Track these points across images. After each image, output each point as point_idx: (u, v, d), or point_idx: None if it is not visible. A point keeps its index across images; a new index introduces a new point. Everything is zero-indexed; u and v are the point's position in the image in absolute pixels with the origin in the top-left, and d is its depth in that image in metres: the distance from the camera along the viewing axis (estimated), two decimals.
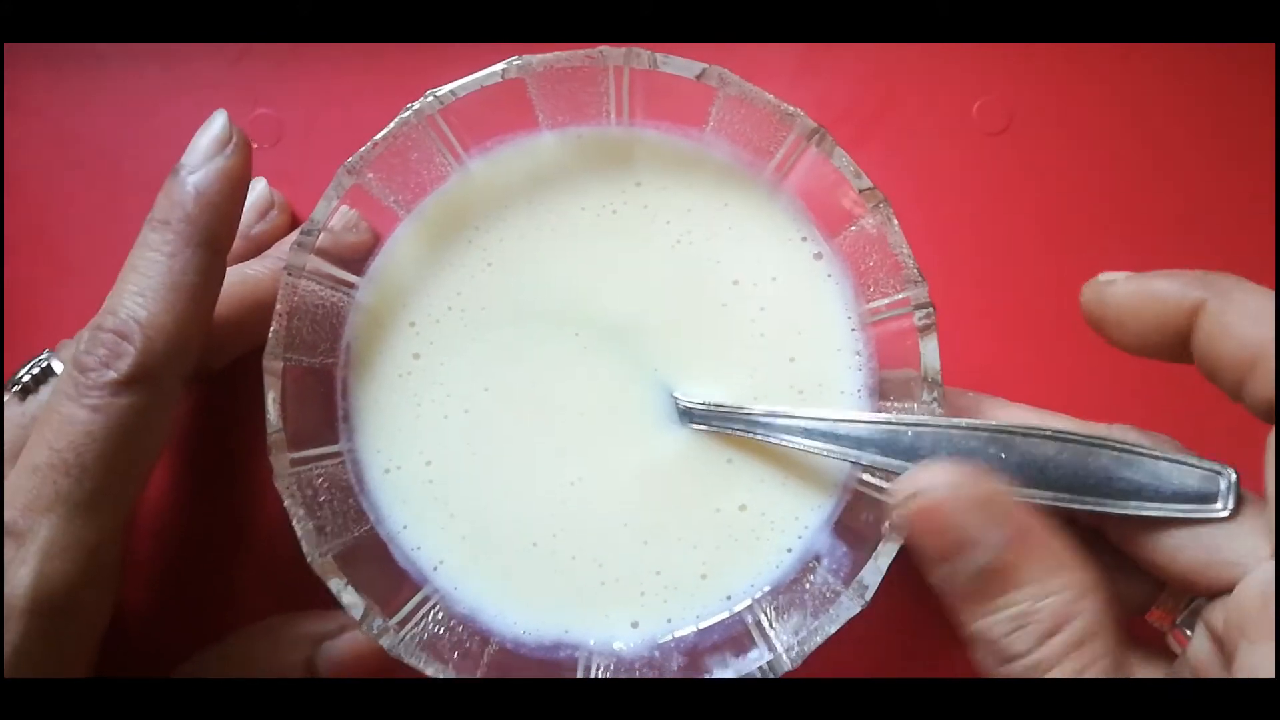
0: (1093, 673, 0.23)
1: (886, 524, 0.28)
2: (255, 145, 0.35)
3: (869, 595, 0.28)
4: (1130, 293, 0.26)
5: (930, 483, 0.24)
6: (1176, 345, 0.26)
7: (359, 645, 0.29)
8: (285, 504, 0.28)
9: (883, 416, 0.28)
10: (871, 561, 0.28)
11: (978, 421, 0.27)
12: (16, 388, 0.29)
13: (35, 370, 0.29)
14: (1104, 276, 0.27)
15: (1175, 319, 0.26)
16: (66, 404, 0.25)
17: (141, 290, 0.26)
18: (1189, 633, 0.27)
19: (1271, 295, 0.25)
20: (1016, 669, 0.23)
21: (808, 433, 0.29)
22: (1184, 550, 0.26)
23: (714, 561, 0.30)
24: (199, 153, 0.27)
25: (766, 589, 0.30)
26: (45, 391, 0.28)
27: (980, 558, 0.24)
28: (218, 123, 0.28)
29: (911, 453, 0.27)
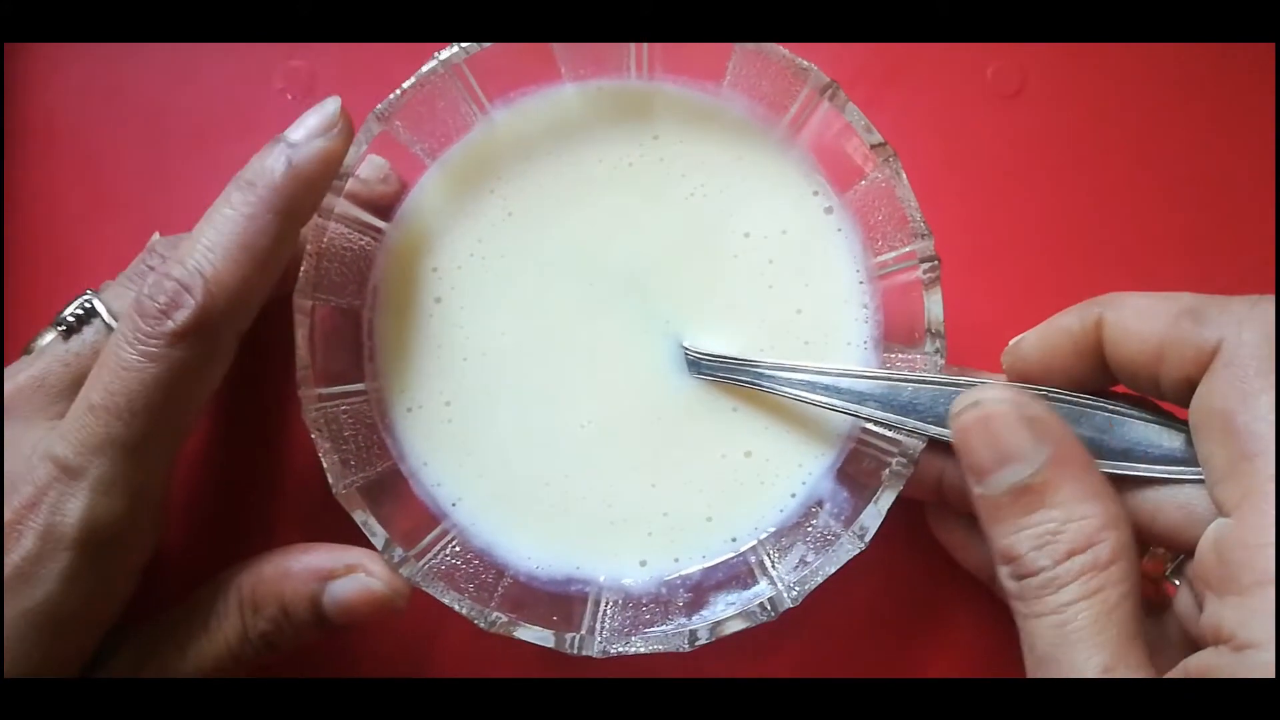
0: (1106, 596, 0.24)
1: (887, 471, 0.29)
2: (290, 97, 0.37)
3: (868, 538, 0.29)
4: (1039, 338, 0.29)
5: (989, 396, 0.26)
6: (1102, 369, 0.28)
7: (365, 589, 0.28)
8: (312, 437, 0.29)
9: (884, 373, 0.29)
10: (871, 505, 0.29)
11: (974, 380, 0.28)
12: (62, 327, 0.30)
13: (79, 310, 0.30)
14: (1013, 341, 0.30)
15: (1086, 342, 0.28)
16: (125, 349, 0.26)
17: (213, 245, 0.27)
18: (1178, 583, 0.28)
19: (1158, 294, 0.27)
20: (1033, 584, 0.25)
21: (811, 386, 0.30)
22: (1163, 511, 0.27)
23: (719, 505, 0.31)
24: (304, 129, 0.28)
25: (770, 530, 0.31)
26: (88, 332, 0.29)
27: (1022, 472, 0.25)
28: (329, 107, 0.28)
29: (910, 408, 0.28)
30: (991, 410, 0.26)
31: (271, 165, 0.27)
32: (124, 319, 0.27)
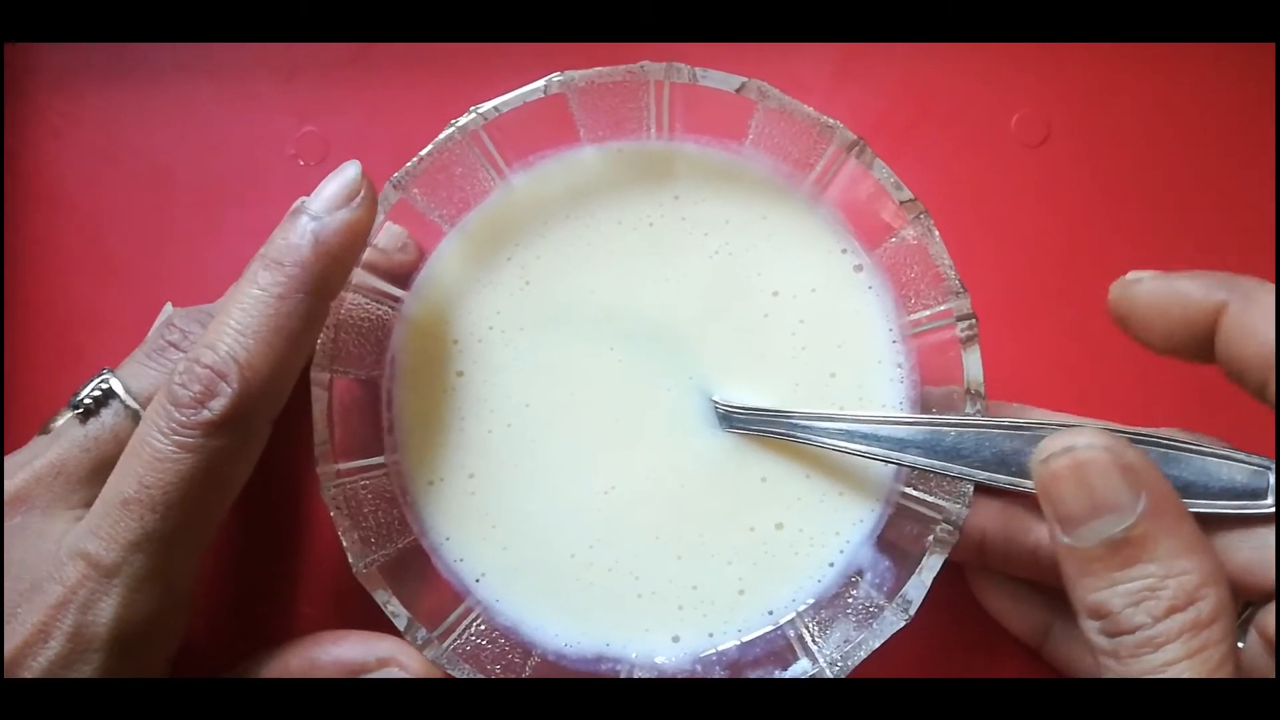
0: (1209, 656, 0.22)
1: (930, 538, 0.28)
2: (301, 163, 0.36)
3: (913, 610, 0.27)
4: (1155, 291, 0.27)
5: (1082, 443, 0.24)
6: (1201, 344, 0.26)
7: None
8: (331, 515, 0.28)
9: (925, 417, 0.28)
10: (915, 576, 0.27)
11: (1020, 420, 0.27)
12: (79, 409, 0.28)
13: (96, 392, 0.29)
14: (1131, 275, 0.28)
15: (1199, 318, 0.26)
16: (158, 440, 0.25)
17: (244, 329, 0.26)
18: (1240, 644, 0.27)
19: None
20: (1128, 643, 0.23)
21: (849, 435, 0.29)
22: (1236, 552, 0.26)
23: (751, 578, 0.30)
24: (324, 200, 0.27)
25: (809, 602, 0.30)
26: (107, 415, 0.28)
27: (1119, 524, 0.23)
28: (349, 172, 0.27)
29: (954, 454, 0.27)
30: (1086, 457, 0.24)
31: (297, 242, 0.26)
32: (155, 406, 0.26)
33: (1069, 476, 0.24)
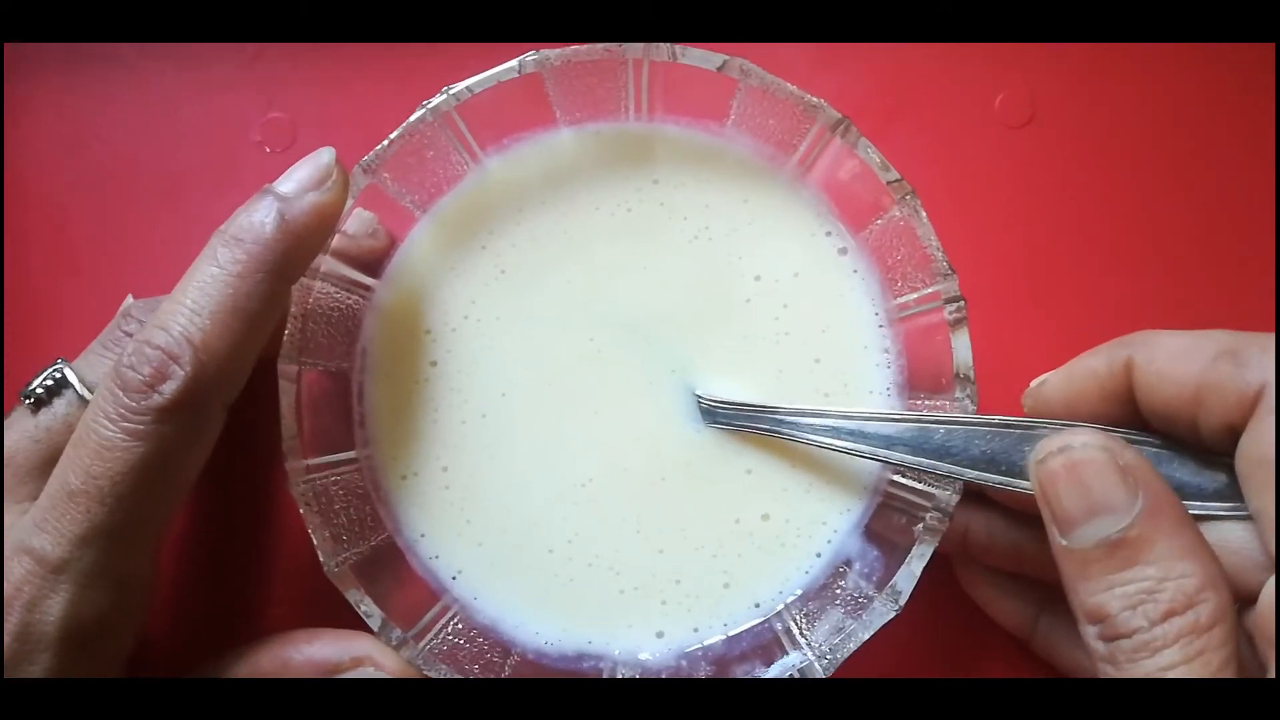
0: (1208, 660, 0.22)
1: (919, 526, 0.27)
2: (268, 150, 0.35)
3: (903, 600, 0.27)
4: (1064, 381, 0.27)
5: (1078, 442, 0.24)
6: (1128, 409, 0.27)
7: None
8: (301, 511, 0.27)
9: (913, 415, 0.27)
10: (904, 566, 0.27)
11: (1010, 419, 0.27)
12: (30, 400, 0.27)
13: (49, 381, 0.27)
14: (1035, 381, 0.28)
15: (1114, 385, 0.26)
16: (105, 427, 0.24)
17: (199, 308, 0.24)
18: None
19: (1192, 332, 0.26)
20: (1125, 647, 0.22)
21: (835, 431, 0.28)
22: (1220, 556, 0.26)
23: (736, 570, 0.29)
24: (294, 183, 0.26)
25: (797, 594, 0.29)
26: (59, 405, 0.27)
27: (1116, 524, 0.23)
28: (323, 158, 0.26)
29: (943, 452, 0.27)
30: (1081, 457, 0.23)
31: (261, 220, 0.25)
32: (102, 391, 0.25)
33: (1065, 476, 0.24)
